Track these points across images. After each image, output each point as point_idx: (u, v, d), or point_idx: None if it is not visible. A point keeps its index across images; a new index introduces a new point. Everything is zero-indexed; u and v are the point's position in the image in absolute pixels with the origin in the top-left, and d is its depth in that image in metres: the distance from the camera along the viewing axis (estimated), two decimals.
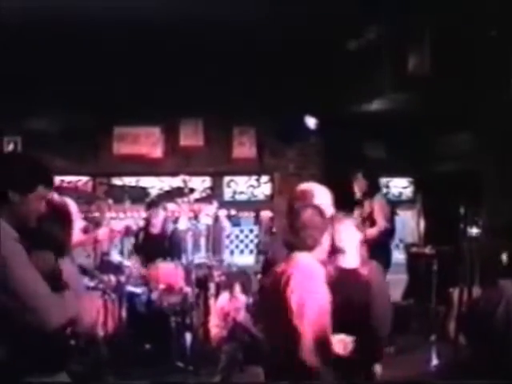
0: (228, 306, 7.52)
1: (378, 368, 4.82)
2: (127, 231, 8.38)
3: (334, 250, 4.70)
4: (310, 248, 4.11)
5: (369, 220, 8.25)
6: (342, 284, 4.56)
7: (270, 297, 4.21)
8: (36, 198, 3.42)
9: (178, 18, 8.09)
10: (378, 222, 8.21)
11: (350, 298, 4.56)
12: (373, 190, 8.60)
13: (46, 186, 3.49)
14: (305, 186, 4.90)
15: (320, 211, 4.19)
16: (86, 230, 7.60)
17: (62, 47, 8.78)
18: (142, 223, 8.85)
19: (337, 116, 9.82)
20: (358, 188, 8.68)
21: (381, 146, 10.78)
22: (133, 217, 9.42)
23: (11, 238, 3.25)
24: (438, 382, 6.75)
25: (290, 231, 4.19)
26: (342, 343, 4.14)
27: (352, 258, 4.83)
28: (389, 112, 9.67)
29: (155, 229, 8.72)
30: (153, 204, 8.78)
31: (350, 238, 4.84)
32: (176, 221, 9.24)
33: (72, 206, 7.22)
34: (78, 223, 7.25)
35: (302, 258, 4.10)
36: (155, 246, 8.56)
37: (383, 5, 7.78)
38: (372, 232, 7.94)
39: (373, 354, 4.75)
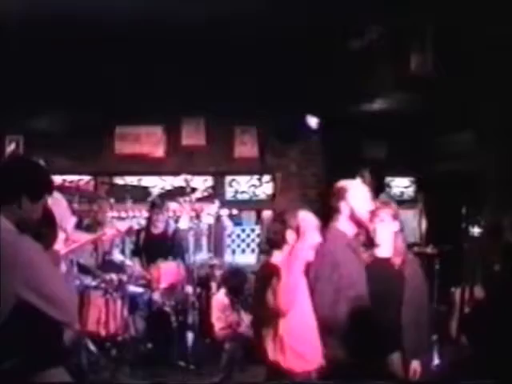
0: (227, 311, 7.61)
1: (415, 364, 4.86)
2: (130, 231, 8.39)
3: (370, 240, 4.90)
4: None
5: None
6: (376, 272, 4.74)
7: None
8: (41, 205, 3.55)
9: (179, 17, 8.09)
10: None
11: (382, 286, 4.69)
12: (378, 189, 8.59)
13: (49, 194, 3.67)
14: (341, 183, 4.96)
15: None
16: (78, 226, 7.59)
17: (63, 46, 8.78)
18: (144, 223, 8.85)
19: (339, 115, 9.82)
20: None
21: (382, 145, 10.78)
22: (134, 216, 9.42)
23: (28, 238, 3.37)
24: (438, 382, 6.74)
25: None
26: None
27: (386, 247, 4.95)
28: (391, 111, 9.68)
29: (157, 228, 8.73)
30: (155, 204, 8.78)
31: (385, 228, 4.95)
32: (178, 220, 9.24)
33: (62, 202, 7.26)
34: (71, 219, 7.26)
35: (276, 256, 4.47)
36: (157, 245, 8.57)
37: (385, 4, 7.79)
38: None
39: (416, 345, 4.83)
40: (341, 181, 5.00)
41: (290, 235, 4.43)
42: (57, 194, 7.23)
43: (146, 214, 9.03)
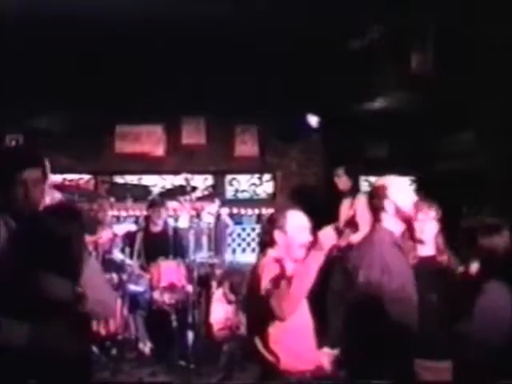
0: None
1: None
2: (129, 235, 8.40)
3: (414, 239, 4.96)
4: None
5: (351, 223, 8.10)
6: (421, 271, 4.72)
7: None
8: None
9: (178, 15, 8.08)
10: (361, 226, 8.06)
11: (429, 285, 4.73)
12: (354, 188, 8.57)
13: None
14: (379, 181, 4.94)
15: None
16: None
17: (63, 45, 8.77)
18: (143, 222, 8.84)
19: (339, 114, 9.81)
20: (341, 186, 8.67)
21: (383, 144, 10.77)
22: (135, 215, 9.42)
23: None
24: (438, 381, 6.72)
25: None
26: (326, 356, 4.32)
27: (430, 246, 5.07)
28: (391, 111, 9.66)
29: (157, 227, 8.72)
30: (154, 203, 8.78)
31: (428, 228, 5.08)
32: (178, 219, 9.23)
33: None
34: None
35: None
36: (157, 244, 8.56)
37: (386, 3, 7.78)
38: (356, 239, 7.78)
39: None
40: (379, 179, 4.99)
41: (278, 235, 4.43)
42: (56, 194, 7.23)
43: (146, 213, 9.00)
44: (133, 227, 7.98)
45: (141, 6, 7.86)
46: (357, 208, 8.16)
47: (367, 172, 10.75)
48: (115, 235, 7.52)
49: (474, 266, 4.34)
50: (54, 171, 7.42)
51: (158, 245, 8.53)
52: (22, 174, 3.50)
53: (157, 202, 8.75)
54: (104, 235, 7.29)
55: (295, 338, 4.26)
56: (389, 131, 10.14)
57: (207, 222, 9.52)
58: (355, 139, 10.17)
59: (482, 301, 4.15)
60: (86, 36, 8.55)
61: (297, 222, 4.49)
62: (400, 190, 4.76)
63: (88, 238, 7.27)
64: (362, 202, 8.31)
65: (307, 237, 4.42)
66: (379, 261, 4.47)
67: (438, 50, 8.01)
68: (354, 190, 8.60)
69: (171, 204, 9.06)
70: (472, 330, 4.14)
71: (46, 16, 8.01)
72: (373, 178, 11.36)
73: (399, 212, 4.68)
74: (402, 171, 11.18)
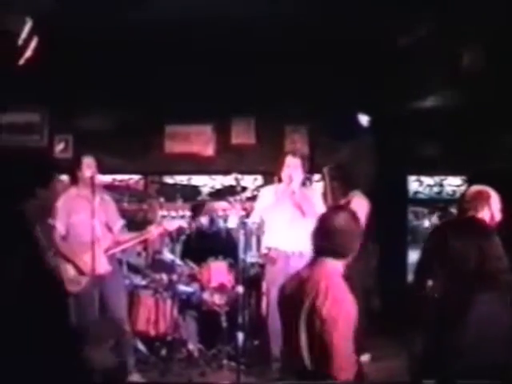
0: None
1: None
2: (180, 231, 8.36)
3: None
4: (343, 256, 3.87)
5: None
6: None
7: (291, 303, 3.88)
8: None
9: (230, 16, 8.07)
10: None
11: None
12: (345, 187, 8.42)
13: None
14: (483, 189, 5.11)
15: (355, 216, 3.95)
16: (128, 225, 7.56)
17: (113, 46, 8.82)
18: (193, 223, 8.83)
19: (390, 114, 9.71)
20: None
21: (434, 143, 10.62)
22: (184, 215, 9.40)
23: None
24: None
25: (322, 235, 3.91)
26: None
27: None
28: (442, 109, 9.54)
29: (207, 228, 8.71)
30: (199, 206, 8.80)
31: None
32: (228, 219, 9.20)
33: (111, 203, 7.25)
34: (119, 222, 7.26)
35: (332, 265, 3.85)
36: (207, 244, 8.54)
37: (436, 2, 7.69)
38: None
39: None
40: (479, 187, 5.17)
41: None
42: (105, 196, 7.25)
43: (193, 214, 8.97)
44: (184, 223, 7.94)
45: (188, 7, 7.87)
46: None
47: (418, 172, 10.66)
48: (166, 230, 7.47)
49: None
50: (104, 171, 7.49)
51: (208, 245, 8.51)
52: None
53: (202, 206, 8.77)
54: (154, 231, 7.24)
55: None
56: (440, 130, 10.00)
57: (257, 222, 9.47)
58: (406, 138, 10.05)
59: None
60: (136, 37, 8.59)
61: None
62: (497, 200, 5.05)
63: (139, 236, 7.28)
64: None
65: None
66: None
67: (488, 48, 7.90)
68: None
69: (221, 204, 9.03)
70: None
71: (95, 17, 8.06)
72: (424, 178, 11.25)
73: (493, 220, 4.98)
74: (453, 170, 11.15)
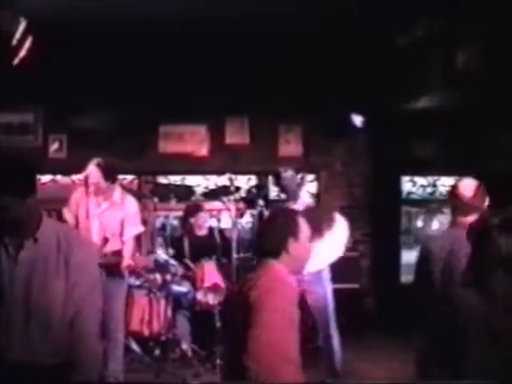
0: None
1: None
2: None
3: None
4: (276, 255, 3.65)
5: None
6: None
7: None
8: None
9: (224, 17, 8.08)
10: None
11: None
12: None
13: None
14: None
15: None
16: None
17: (108, 45, 8.81)
18: (185, 223, 8.82)
19: (385, 113, 9.72)
20: None
21: (428, 144, 10.64)
22: (179, 215, 9.42)
23: None
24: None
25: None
26: None
27: None
28: (437, 109, 9.55)
29: (200, 228, 8.71)
30: (194, 206, 8.80)
31: None
32: (221, 219, 9.21)
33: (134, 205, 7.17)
34: (138, 228, 7.24)
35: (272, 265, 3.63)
36: (201, 244, 8.54)
37: (433, 1, 7.71)
38: None
39: None
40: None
41: None
42: (130, 197, 7.20)
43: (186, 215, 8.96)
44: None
45: (186, 8, 7.88)
46: None
47: (413, 172, 10.68)
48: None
49: None
50: None
51: (202, 245, 8.51)
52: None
53: (196, 206, 8.77)
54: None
55: None
56: (435, 130, 10.02)
57: (251, 222, 9.49)
58: (401, 138, 10.07)
59: None
60: (131, 37, 8.58)
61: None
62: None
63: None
64: None
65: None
66: None
67: (486, 47, 7.90)
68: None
69: (215, 204, 9.04)
70: None
71: (92, 17, 8.06)
72: (418, 178, 11.28)
73: None
74: (448, 170, 11.17)
